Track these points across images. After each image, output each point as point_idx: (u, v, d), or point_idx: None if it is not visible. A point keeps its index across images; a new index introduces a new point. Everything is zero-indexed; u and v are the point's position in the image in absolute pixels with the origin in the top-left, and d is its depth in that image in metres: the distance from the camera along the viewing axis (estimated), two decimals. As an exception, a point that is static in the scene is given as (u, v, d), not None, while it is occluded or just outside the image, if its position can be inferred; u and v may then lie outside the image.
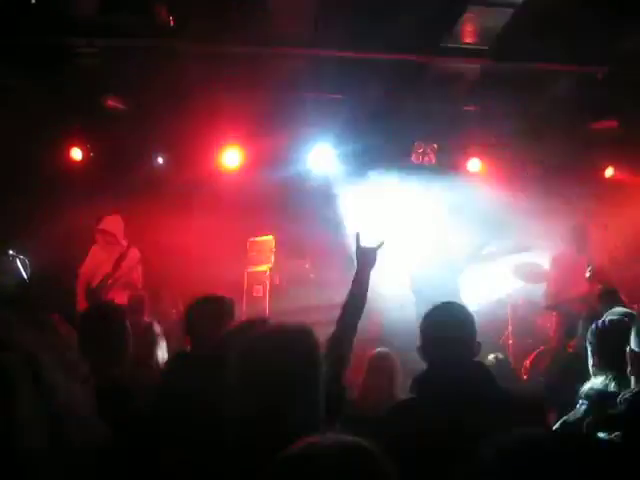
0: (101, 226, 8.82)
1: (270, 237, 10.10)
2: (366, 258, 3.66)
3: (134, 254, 8.89)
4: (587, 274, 7.97)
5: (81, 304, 8.53)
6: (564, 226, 9.05)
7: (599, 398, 3.37)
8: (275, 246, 10.00)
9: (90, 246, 9.03)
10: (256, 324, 2.86)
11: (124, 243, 8.87)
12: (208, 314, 4.15)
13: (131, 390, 3.72)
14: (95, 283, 8.67)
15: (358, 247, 3.73)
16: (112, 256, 8.79)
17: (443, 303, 3.65)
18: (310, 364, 2.54)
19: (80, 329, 3.84)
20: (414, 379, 3.48)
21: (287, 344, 2.55)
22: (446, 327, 3.47)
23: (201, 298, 4.38)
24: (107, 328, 3.92)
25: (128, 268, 8.74)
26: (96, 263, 8.82)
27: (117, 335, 3.96)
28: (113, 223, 8.88)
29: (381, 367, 5.83)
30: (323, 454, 1.63)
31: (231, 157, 10.37)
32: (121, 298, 8.72)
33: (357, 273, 3.65)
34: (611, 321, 3.74)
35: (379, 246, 3.78)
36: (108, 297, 8.58)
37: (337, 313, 3.58)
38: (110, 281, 8.66)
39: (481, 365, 3.55)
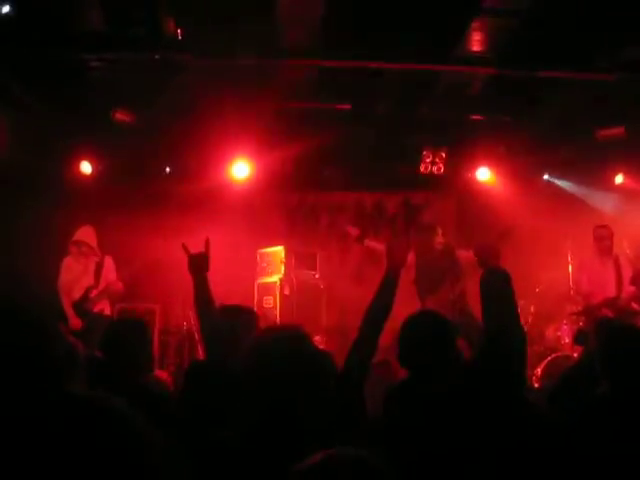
0: (75, 237, 8.71)
1: (280, 248, 10.10)
2: (396, 257, 3.64)
3: (110, 263, 8.83)
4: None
5: (73, 320, 8.46)
6: (585, 231, 8.97)
7: None
8: (285, 257, 9.99)
9: (61, 259, 8.87)
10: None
11: (99, 253, 8.78)
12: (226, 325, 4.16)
13: (159, 396, 3.78)
14: (78, 296, 8.60)
15: (388, 246, 3.72)
16: (88, 267, 8.71)
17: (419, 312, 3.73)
18: (312, 366, 2.54)
19: (108, 339, 3.93)
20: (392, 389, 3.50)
21: (286, 347, 2.55)
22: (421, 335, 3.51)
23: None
24: (135, 338, 3.98)
25: (109, 278, 8.70)
26: (73, 276, 8.69)
27: (144, 345, 4.01)
28: (86, 233, 8.77)
29: (380, 377, 5.75)
30: (337, 470, 1.63)
31: (240, 169, 10.40)
32: (107, 309, 8.75)
33: (386, 272, 3.62)
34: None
35: (409, 247, 3.79)
36: (96, 309, 8.59)
37: (348, 322, 3.58)
38: (94, 292, 8.62)
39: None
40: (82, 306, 8.52)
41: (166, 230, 9.73)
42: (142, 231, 9.38)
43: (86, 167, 10.16)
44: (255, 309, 9.55)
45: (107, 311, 8.73)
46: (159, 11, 7.35)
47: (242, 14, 7.35)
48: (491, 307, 3.38)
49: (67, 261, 8.81)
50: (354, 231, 9.05)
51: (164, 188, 10.56)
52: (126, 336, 4.00)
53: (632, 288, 8.48)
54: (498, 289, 3.40)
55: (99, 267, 8.73)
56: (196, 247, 4.14)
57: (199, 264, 3.95)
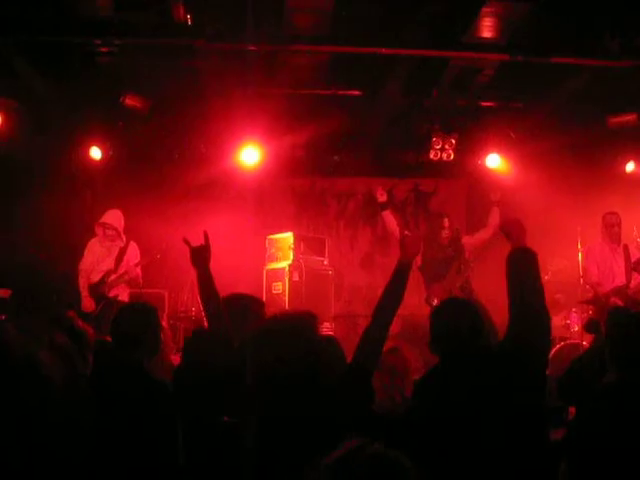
0: (103, 219, 8.69)
1: (289, 234, 10.11)
2: (409, 247, 3.65)
3: (134, 249, 8.81)
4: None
5: (85, 300, 8.52)
6: (592, 220, 8.93)
7: None
8: (294, 243, 9.99)
9: (87, 240, 8.88)
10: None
11: (124, 238, 8.77)
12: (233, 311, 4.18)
13: (166, 382, 3.82)
14: (96, 279, 8.59)
15: (402, 236, 3.73)
16: (112, 251, 8.71)
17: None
18: (310, 351, 2.55)
19: (115, 324, 3.99)
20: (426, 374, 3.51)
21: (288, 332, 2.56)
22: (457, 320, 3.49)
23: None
24: (143, 324, 4.01)
25: (130, 264, 8.66)
26: (96, 258, 8.70)
27: (149, 328, 4.04)
28: (115, 217, 8.74)
29: (390, 364, 5.67)
30: (363, 466, 1.66)
31: (250, 155, 10.39)
32: (124, 295, 8.74)
33: (399, 262, 3.61)
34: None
35: (422, 235, 3.81)
36: (111, 294, 8.57)
37: (356, 308, 3.60)
38: (113, 277, 8.60)
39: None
40: (98, 289, 8.52)
41: (175, 216, 9.76)
42: (151, 217, 9.39)
43: (95, 152, 10.16)
44: (263, 296, 9.66)
45: (124, 297, 8.70)
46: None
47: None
48: (518, 288, 3.40)
49: (92, 243, 8.81)
50: (382, 196, 8.99)
51: (173, 174, 10.57)
52: (132, 319, 4.03)
53: (622, 278, 8.49)
54: (526, 270, 3.42)
55: (122, 252, 8.70)
56: (204, 233, 4.15)
57: (201, 256, 3.98)
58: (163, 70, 8.70)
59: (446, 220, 8.93)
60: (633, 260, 8.56)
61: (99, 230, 8.70)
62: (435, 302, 8.15)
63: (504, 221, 3.66)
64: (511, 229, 3.57)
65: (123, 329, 4.00)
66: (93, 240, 8.82)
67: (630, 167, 10.83)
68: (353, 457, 1.67)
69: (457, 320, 3.45)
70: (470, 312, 3.52)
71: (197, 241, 4.08)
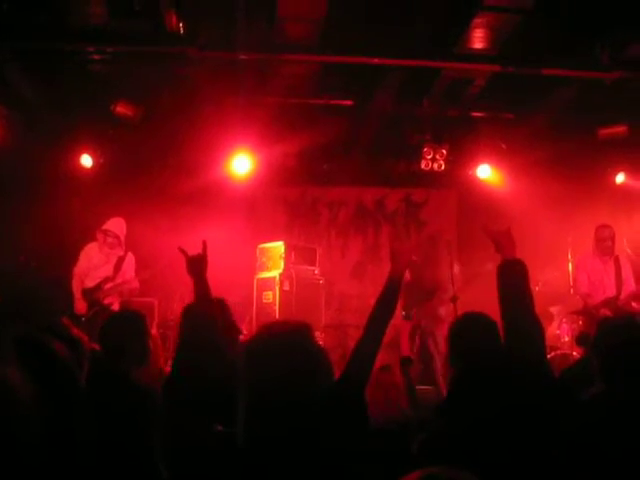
0: (106, 226, 8.63)
1: (280, 243, 10.10)
2: (400, 259, 3.64)
3: (132, 260, 8.77)
4: None
5: (78, 303, 8.47)
6: (583, 231, 8.94)
7: None
8: (285, 252, 9.98)
9: (84, 244, 8.81)
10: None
11: (124, 247, 8.72)
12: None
13: (153, 392, 3.79)
14: (92, 284, 8.54)
15: (392, 247, 3.72)
16: (110, 259, 8.65)
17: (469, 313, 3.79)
18: (308, 361, 2.53)
19: (103, 332, 3.97)
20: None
21: (286, 343, 2.54)
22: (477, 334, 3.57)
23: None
24: (131, 332, 4.00)
25: (127, 275, 8.65)
26: (92, 263, 8.63)
27: (137, 337, 4.03)
28: (118, 225, 8.69)
29: (380, 381, 5.66)
30: None
31: (241, 163, 10.39)
32: (117, 304, 8.67)
33: (390, 274, 3.58)
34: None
35: (413, 248, 3.79)
36: (106, 301, 8.52)
37: (347, 318, 3.60)
38: (109, 285, 8.57)
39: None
40: (92, 294, 8.48)
41: (166, 224, 9.75)
42: (141, 225, 9.37)
43: (86, 160, 10.14)
44: (254, 305, 9.65)
45: (116, 306, 8.67)
46: (161, 5, 7.33)
47: (244, 8, 7.34)
48: (509, 299, 3.43)
49: (90, 247, 8.73)
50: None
51: (164, 182, 10.56)
52: (120, 328, 4.02)
53: (632, 288, 8.49)
54: (517, 282, 3.45)
55: (120, 261, 8.66)
56: (197, 241, 4.14)
57: (197, 265, 3.97)
58: (155, 78, 8.70)
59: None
60: (630, 273, 8.62)
61: (100, 236, 8.63)
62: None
63: (494, 232, 3.65)
64: (501, 240, 3.57)
65: (111, 338, 4.00)
66: (91, 245, 8.75)
67: (620, 178, 10.88)
68: None
69: (480, 336, 3.52)
70: (488, 326, 3.59)
71: (188, 250, 4.07)
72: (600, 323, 4.03)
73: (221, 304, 4.46)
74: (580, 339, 7.32)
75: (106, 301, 8.51)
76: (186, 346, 4.22)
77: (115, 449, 3.32)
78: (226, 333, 4.08)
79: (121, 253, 8.69)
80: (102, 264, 8.65)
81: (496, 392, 3.29)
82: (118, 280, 8.61)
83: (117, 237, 8.64)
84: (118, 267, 8.64)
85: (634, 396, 3.09)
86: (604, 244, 8.65)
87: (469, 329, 3.62)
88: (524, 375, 3.32)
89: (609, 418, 3.08)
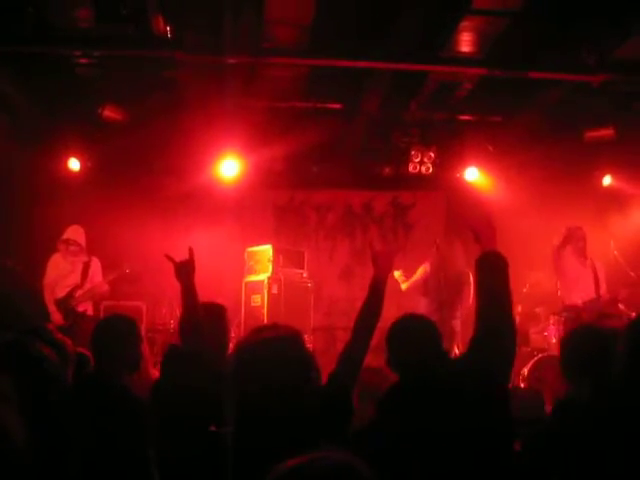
0: (66, 235, 8.68)
1: (268, 246, 10.09)
2: (383, 263, 3.65)
3: (98, 265, 8.84)
4: None
5: (54, 315, 8.49)
6: (563, 233, 9.00)
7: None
8: (273, 255, 9.98)
9: (48, 256, 8.85)
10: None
11: (86, 253, 8.78)
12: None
13: (138, 396, 3.79)
14: (62, 293, 8.60)
15: (374, 252, 3.72)
16: (76, 266, 8.72)
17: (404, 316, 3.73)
18: (298, 367, 2.53)
19: (95, 337, 3.95)
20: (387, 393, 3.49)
21: (277, 349, 2.53)
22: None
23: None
24: (122, 337, 3.99)
25: (95, 280, 8.71)
26: (59, 273, 8.69)
27: (131, 344, 4.02)
28: (76, 232, 8.75)
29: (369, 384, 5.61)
30: (312, 475, 1.59)
31: (229, 167, 10.38)
32: (90, 309, 8.79)
33: (373, 279, 3.60)
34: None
35: (395, 251, 3.79)
36: (80, 308, 8.61)
37: (335, 321, 3.60)
38: (80, 292, 8.63)
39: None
40: (65, 304, 8.52)
41: (154, 228, 9.73)
42: (129, 229, 9.35)
43: (74, 164, 10.12)
44: (242, 309, 9.63)
45: (90, 311, 8.74)
46: (148, 8, 7.31)
47: (231, 12, 7.34)
48: (487, 293, 3.24)
49: (55, 258, 8.78)
50: None
51: (152, 186, 10.54)
52: (111, 333, 4.00)
53: (605, 291, 8.65)
54: (496, 275, 3.24)
55: (86, 267, 8.72)
56: (185, 244, 4.14)
57: (185, 271, 3.97)
58: (142, 82, 8.69)
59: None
60: (605, 277, 8.74)
61: (62, 246, 8.70)
62: None
63: (473, 221, 3.38)
64: (481, 230, 3.34)
65: (103, 343, 3.97)
66: (55, 256, 8.80)
67: (607, 181, 10.94)
68: (310, 465, 1.61)
69: (413, 335, 3.53)
70: (425, 325, 3.60)
71: (177, 254, 4.06)
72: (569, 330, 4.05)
73: (219, 310, 4.45)
74: None
75: (80, 308, 8.58)
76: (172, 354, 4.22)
77: (108, 456, 3.31)
78: (215, 339, 4.06)
79: (85, 259, 8.76)
80: (68, 272, 8.72)
81: (432, 404, 3.18)
82: (87, 286, 8.69)
83: (78, 244, 8.70)
84: (85, 273, 8.72)
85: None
86: (578, 245, 8.80)
87: (406, 334, 3.58)
88: (490, 372, 3.19)
89: (573, 422, 3.00)
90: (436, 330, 3.57)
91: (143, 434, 3.50)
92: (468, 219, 3.39)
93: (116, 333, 4.00)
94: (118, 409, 3.56)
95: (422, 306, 8.78)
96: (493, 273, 3.24)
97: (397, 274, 8.81)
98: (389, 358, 3.56)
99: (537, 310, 9.73)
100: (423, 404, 3.19)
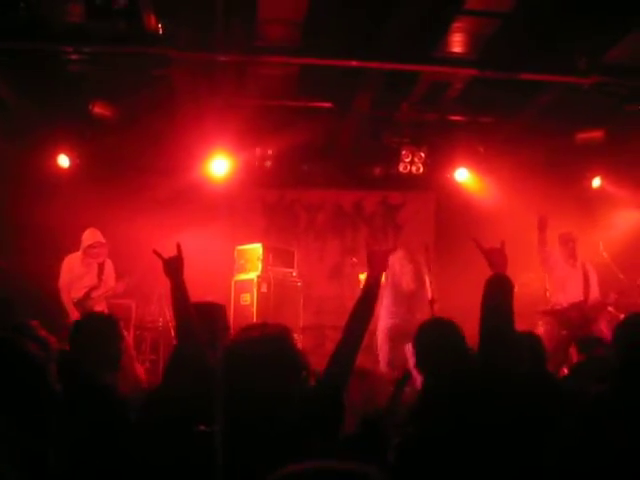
0: (88, 242, 8.59)
1: (258, 245, 10.08)
2: (377, 263, 3.66)
3: (111, 266, 8.79)
4: None
5: (72, 314, 8.39)
6: (552, 235, 9.03)
7: None
8: (263, 254, 9.97)
9: (64, 256, 8.76)
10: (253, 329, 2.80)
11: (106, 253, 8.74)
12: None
13: (122, 396, 3.77)
14: (79, 294, 8.54)
15: (368, 251, 3.73)
16: (92, 268, 8.65)
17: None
18: (288, 366, 2.52)
19: (75, 336, 3.93)
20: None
21: (265, 349, 2.52)
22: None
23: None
24: (103, 335, 3.97)
25: (109, 281, 8.67)
26: (75, 274, 8.61)
27: (112, 342, 4.00)
28: (96, 235, 8.66)
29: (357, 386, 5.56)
30: None
31: (219, 165, 10.36)
32: (106, 309, 8.69)
33: (367, 278, 3.62)
34: None
35: (389, 250, 3.80)
36: (96, 309, 8.51)
37: (324, 320, 3.60)
38: (96, 293, 8.57)
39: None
40: (84, 304, 8.46)
41: (144, 225, 9.70)
42: (119, 226, 9.31)
43: (64, 161, 10.09)
44: (231, 307, 9.62)
45: (106, 312, 8.66)
46: (140, 5, 7.29)
47: (223, 10, 7.32)
48: (493, 310, 3.57)
49: (69, 260, 8.70)
50: None
51: (142, 183, 10.50)
52: (91, 331, 3.98)
53: (596, 295, 8.65)
54: (503, 296, 3.61)
55: (101, 268, 8.66)
56: (175, 242, 4.13)
57: (174, 267, 3.96)
58: (133, 79, 8.65)
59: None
60: (596, 280, 8.76)
61: (87, 252, 8.59)
62: None
63: (488, 249, 3.82)
64: (495, 257, 3.74)
65: (81, 341, 3.96)
66: (71, 256, 8.71)
67: (596, 183, 10.97)
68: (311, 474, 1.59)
69: (440, 339, 3.69)
70: (452, 330, 3.76)
71: (167, 252, 4.04)
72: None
73: (217, 309, 4.45)
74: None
75: (96, 309, 8.50)
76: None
77: (91, 455, 3.29)
78: (213, 338, 4.04)
79: (100, 260, 8.68)
80: (84, 274, 8.64)
81: (465, 400, 3.35)
82: (103, 288, 8.62)
83: (103, 245, 8.63)
84: (100, 274, 8.65)
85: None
86: (567, 247, 8.82)
87: (438, 335, 3.74)
88: (495, 386, 3.41)
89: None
90: (461, 332, 3.76)
91: (124, 433, 3.47)
92: (483, 247, 3.81)
93: (94, 332, 3.98)
94: (99, 408, 3.54)
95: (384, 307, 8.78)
96: (500, 293, 3.61)
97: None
98: (418, 361, 3.75)
99: (527, 310, 9.74)
100: (456, 405, 3.35)
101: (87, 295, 8.54)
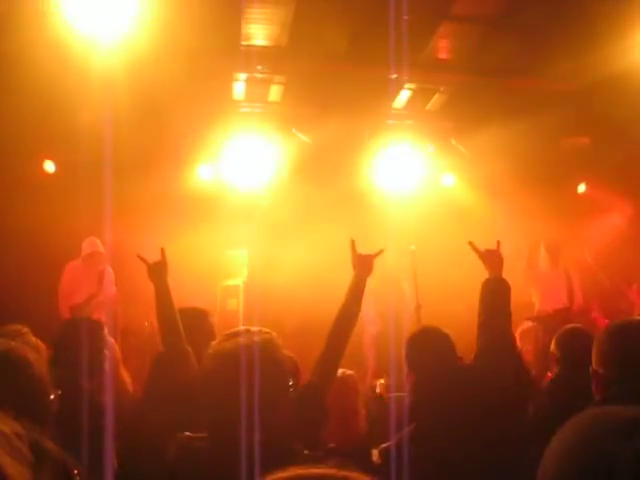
0: (89, 250, 8.73)
1: (244, 251, 10.07)
2: (363, 265, 3.65)
3: (111, 274, 8.85)
4: None
5: None
6: (537, 241, 9.07)
7: None
8: (249, 260, 9.96)
9: (64, 263, 8.86)
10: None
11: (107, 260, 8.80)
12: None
13: (101, 402, 3.74)
14: (79, 300, 8.58)
15: (355, 254, 3.74)
16: (91, 274, 8.70)
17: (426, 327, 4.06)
18: (274, 372, 2.52)
19: (58, 341, 3.91)
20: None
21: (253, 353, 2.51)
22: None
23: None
24: (84, 341, 3.94)
25: (109, 289, 8.72)
26: (75, 281, 8.71)
27: (95, 348, 3.99)
28: (96, 244, 8.79)
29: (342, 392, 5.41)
30: None
31: (206, 170, 10.35)
32: (103, 317, 8.70)
33: (353, 281, 3.63)
34: None
35: (377, 254, 3.80)
36: (95, 316, 8.51)
37: (311, 325, 3.62)
38: (96, 301, 8.61)
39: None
40: (82, 311, 8.45)
41: (130, 230, 9.65)
42: (104, 231, 9.27)
43: (49, 166, 10.04)
44: (217, 313, 9.60)
45: (103, 319, 8.67)
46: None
47: (210, 15, 7.32)
48: (490, 312, 3.77)
49: (71, 267, 8.81)
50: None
51: (128, 188, 10.45)
52: (73, 337, 3.97)
53: (580, 301, 8.69)
54: (500, 297, 3.83)
55: (101, 276, 8.70)
56: (159, 246, 4.13)
57: (158, 272, 3.97)
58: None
59: None
60: (579, 286, 8.79)
61: (88, 261, 8.73)
62: None
63: (484, 251, 4.02)
64: (490, 259, 3.96)
65: (65, 346, 3.94)
66: (72, 264, 8.84)
67: (582, 188, 11.02)
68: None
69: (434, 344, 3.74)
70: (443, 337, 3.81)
71: (152, 256, 4.05)
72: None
73: (201, 315, 4.45)
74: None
75: (94, 316, 8.48)
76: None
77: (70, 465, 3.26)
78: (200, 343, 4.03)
79: (100, 268, 8.70)
80: (85, 281, 8.70)
81: (456, 405, 3.41)
82: (102, 296, 8.66)
83: (101, 254, 8.73)
84: (100, 282, 8.69)
85: None
86: (552, 253, 8.88)
87: (426, 342, 3.77)
88: (489, 387, 3.52)
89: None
90: (451, 340, 3.81)
91: (103, 439, 3.45)
92: (479, 250, 4.01)
93: (76, 337, 3.96)
94: (79, 413, 3.51)
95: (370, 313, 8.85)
96: (497, 294, 3.85)
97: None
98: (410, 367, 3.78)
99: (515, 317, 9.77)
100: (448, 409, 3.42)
101: (86, 302, 8.54)
